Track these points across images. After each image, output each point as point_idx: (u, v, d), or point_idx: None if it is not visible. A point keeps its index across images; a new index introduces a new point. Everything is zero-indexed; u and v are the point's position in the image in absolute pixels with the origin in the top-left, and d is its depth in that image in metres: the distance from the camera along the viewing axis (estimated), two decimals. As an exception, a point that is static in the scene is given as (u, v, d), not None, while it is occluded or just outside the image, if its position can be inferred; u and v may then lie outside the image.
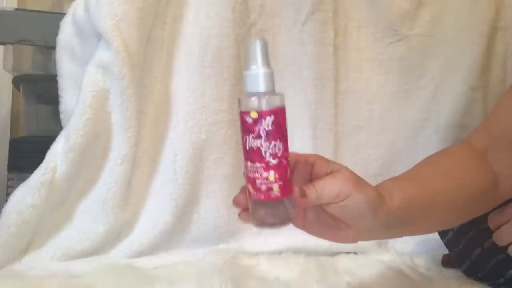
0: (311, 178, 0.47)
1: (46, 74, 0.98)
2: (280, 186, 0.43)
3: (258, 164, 0.43)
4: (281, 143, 0.43)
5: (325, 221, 0.48)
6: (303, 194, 0.44)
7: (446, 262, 0.78)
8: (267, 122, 0.42)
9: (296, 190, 0.44)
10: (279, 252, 0.82)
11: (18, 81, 1.06)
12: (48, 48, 0.89)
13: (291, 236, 0.84)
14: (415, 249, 0.85)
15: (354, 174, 0.46)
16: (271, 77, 0.44)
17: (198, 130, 0.82)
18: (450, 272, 0.75)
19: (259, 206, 0.44)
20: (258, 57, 0.43)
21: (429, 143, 0.89)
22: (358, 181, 0.45)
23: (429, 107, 0.91)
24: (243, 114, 0.44)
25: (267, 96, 0.43)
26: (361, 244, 0.85)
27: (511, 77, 0.91)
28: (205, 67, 0.82)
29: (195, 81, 0.82)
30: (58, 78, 0.81)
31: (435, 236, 0.75)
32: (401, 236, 0.55)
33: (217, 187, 0.83)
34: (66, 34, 0.81)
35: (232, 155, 0.84)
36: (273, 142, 0.43)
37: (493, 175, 0.58)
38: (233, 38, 0.83)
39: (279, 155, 0.43)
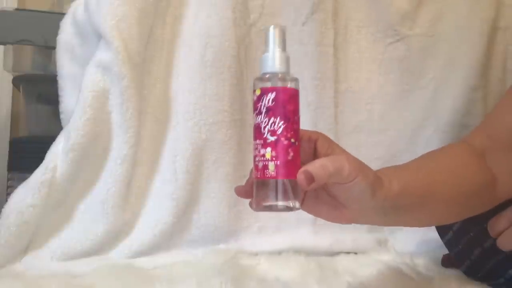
0: (315, 155, 0.47)
1: (46, 74, 0.98)
2: (277, 166, 0.43)
3: (258, 141, 0.44)
4: (282, 122, 0.43)
5: (322, 198, 0.48)
6: (310, 179, 0.42)
7: (446, 262, 0.78)
8: (268, 98, 0.43)
9: (301, 178, 0.42)
10: (279, 252, 0.82)
11: (18, 81, 1.06)
12: (48, 48, 0.89)
13: (291, 236, 0.85)
14: (415, 249, 0.85)
15: (355, 157, 0.47)
16: (280, 59, 0.45)
17: (198, 130, 0.82)
18: (450, 272, 0.75)
19: (258, 186, 0.44)
20: (271, 41, 0.45)
21: (429, 143, 0.89)
22: (361, 164, 0.46)
23: (429, 107, 0.91)
24: (252, 94, 0.45)
25: (272, 75, 0.44)
26: (361, 244, 0.87)
27: (511, 77, 0.91)
28: (206, 67, 0.82)
29: (196, 81, 0.82)
30: (58, 78, 0.81)
31: (435, 236, 0.75)
32: (397, 224, 0.55)
33: (217, 187, 0.83)
34: (66, 34, 0.81)
35: (233, 155, 0.84)
36: (272, 119, 0.43)
37: (491, 174, 0.58)
38: (233, 38, 0.83)
39: (278, 133, 0.43)
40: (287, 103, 0.44)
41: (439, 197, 0.53)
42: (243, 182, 0.47)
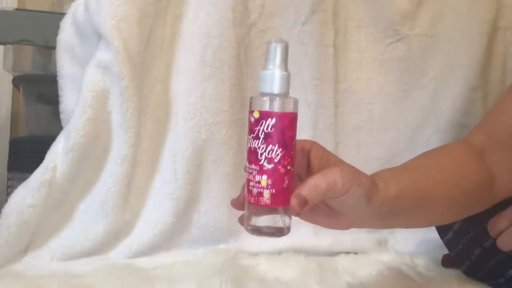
0: (308, 166, 0.47)
1: (46, 74, 0.98)
2: (272, 194, 0.42)
3: (253, 166, 0.42)
4: (280, 150, 0.41)
5: (318, 208, 0.47)
6: (303, 203, 0.42)
7: (446, 262, 0.78)
8: (267, 124, 0.41)
9: (294, 203, 0.42)
10: (279, 252, 0.82)
11: (18, 81, 1.06)
12: (48, 48, 0.89)
13: (291, 236, 0.84)
14: (415, 249, 0.85)
15: (350, 166, 0.46)
16: (282, 80, 0.42)
17: (198, 130, 0.82)
18: (450, 272, 0.75)
19: (251, 210, 0.43)
20: (273, 58, 0.43)
21: (429, 143, 0.89)
22: (355, 173, 0.45)
23: (429, 107, 0.91)
24: (249, 113, 0.43)
25: (272, 98, 0.42)
26: (361, 244, 0.87)
27: (511, 78, 0.91)
28: (206, 67, 0.82)
29: (195, 81, 0.82)
30: (58, 78, 0.81)
31: (435, 236, 0.75)
32: (395, 227, 0.55)
33: (217, 187, 0.83)
34: (66, 34, 0.81)
35: (233, 155, 0.84)
36: (270, 146, 0.41)
37: (490, 174, 0.58)
38: (233, 38, 0.83)
39: (275, 161, 0.41)
40: (286, 130, 0.42)
41: (438, 198, 0.53)
42: (243, 182, 0.47)
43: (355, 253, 0.85)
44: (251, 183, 0.42)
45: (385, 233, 0.90)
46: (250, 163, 0.43)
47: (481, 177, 0.57)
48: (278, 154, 0.42)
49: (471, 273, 0.72)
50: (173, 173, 0.81)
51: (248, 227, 0.44)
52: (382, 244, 0.88)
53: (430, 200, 0.52)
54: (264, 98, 0.42)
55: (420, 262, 0.80)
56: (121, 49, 0.75)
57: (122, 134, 0.78)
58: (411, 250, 0.85)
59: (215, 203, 0.83)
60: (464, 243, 0.70)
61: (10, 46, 1.01)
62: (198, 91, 0.82)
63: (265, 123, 0.41)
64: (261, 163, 0.42)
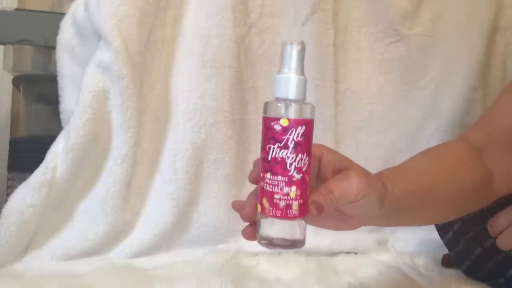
0: (319, 172, 0.46)
1: (46, 74, 0.98)
2: (300, 205, 0.40)
3: (280, 177, 0.40)
4: (307, 158, 0.40)
5: (328, 213, 0.46)
6: (321, 210, 0.41)
7: (446, 262, 0.78)
8: (298, 132, 0.40)
9: (312, 210, 0.41)
10: (279, 252, 0.82)
11: (18, 81, 1.06)
12: (48, 48, 0.89)
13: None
14: (415, 249, 0.85)
15: (363, 169, 0.46)
16: (305, 85, 0.41)
17: (198, 130, 0.82)
18: (450, 272, 0.75)
19: (271, 223, 0.41)
20: (294, 61, 0.41)
21: (430, 143, 0.88)
22: (368, 177, 0.45)
23: (429, 107, 0.91)
24: (270, 121, 0.40)
25: (300, 104, 0.40)
26: (361, 244, 0.87)
27: (511, 77, 0.91)
28: (205, 67, 0.82)
29: (195, 81, 0.82)
30: (58, 78, 0.81)
31: (435, 236, 0.75)
32: (397, 225, 0.55)
33: (217, 187, 0.83)
34: (66, 34, 0.81)
35: (233, 155, 0.84)
36: (300, 155, 0.40)
37: (488, 171, 0.58)
38: (233, 38, 0.83)
39: (303, 170, 0.40)
40: (311, 137, 0.41)
41: (440, 196, 0.53)
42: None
43: (355, 253, 0.85)
44: (276, 196, 0.40)
45: (385, 233, 0.90)
46: (275, 174, 0.40)
47: (479, 175, 0.57)
48: (305, 163, 0.40)
49: (471, 273, 0.72)
50: (173, 173, 0.81)
51: (263, 241, 0.42)
52: (382, 244, 0.88)
53: (431, 198, 0.52)
54: (291, 105, 0.40)
55: (420, 262, 0.81)
56: (121, 49, 0.75)
57: (122, 134, 0.78)
58: (411, 250, 0.85)
59: (215, 203, 0.83)
60: (464, 243, 0.70)
61: (10, 46, 1.01)
62: (198, 91, 0.82)
63: (295, 131, 0.40)
64: (290, 173, 0.40)
